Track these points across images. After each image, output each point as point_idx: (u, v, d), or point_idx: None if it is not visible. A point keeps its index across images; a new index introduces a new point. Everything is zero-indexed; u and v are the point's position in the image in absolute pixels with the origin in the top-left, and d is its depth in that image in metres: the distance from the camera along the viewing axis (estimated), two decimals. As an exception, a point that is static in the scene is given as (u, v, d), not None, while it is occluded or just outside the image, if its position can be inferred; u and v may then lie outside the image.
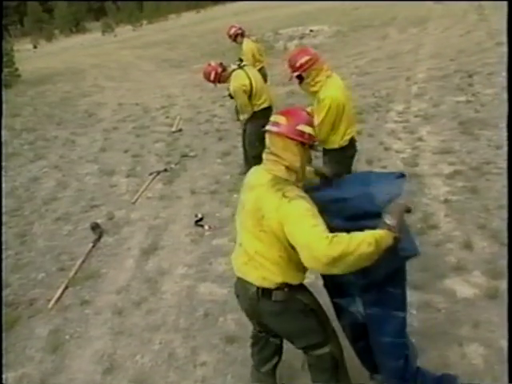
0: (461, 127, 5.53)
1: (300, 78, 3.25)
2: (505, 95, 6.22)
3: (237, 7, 24.94)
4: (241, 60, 5.02)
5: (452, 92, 6.85)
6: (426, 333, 2.74)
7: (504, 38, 8.82)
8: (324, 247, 1.67)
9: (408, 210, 1.84)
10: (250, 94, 4.69)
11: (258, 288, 1.99)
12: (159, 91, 10.18)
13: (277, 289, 1.97)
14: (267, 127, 2.01)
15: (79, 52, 19.35)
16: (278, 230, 1.85)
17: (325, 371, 2.19)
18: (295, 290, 2.02)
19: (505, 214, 3.71)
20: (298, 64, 3.20)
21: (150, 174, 5.71)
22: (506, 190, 4.03)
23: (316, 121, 3.19)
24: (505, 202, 3.86)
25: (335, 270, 1.71)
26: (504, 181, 4.19)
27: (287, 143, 1.94)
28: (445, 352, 2.61)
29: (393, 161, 5.01)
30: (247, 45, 6.44)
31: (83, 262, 4.09)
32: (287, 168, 1.94)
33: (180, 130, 7.24)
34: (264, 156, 2.04)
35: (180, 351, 2.95)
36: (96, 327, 3.30)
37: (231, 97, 4.86)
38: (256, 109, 4.75)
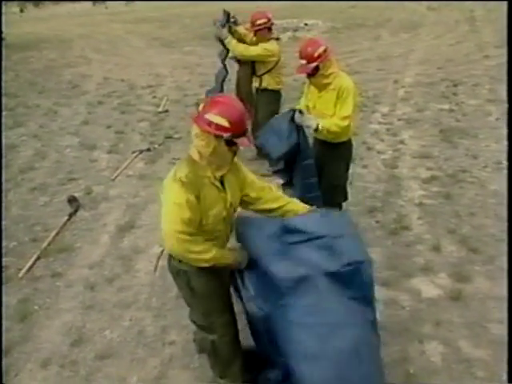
0: (441, 134, 5.68)
1: (316, 70, 3.14)
2: (487, 107, 6.42)
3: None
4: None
5: (436, 99, 7.00)
6: (389, 328, 2.85)
7: (492, 52, 9.06)
8: (168, 243, 2.03)
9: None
10: (273, 67, 4.70)
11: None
12: (147, 69, 10.01)
13: (171, 256, 2.18)
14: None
15: (67, 20, 18.71)
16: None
17: (209, 356, 2.39)
18: (189, 267, 2.13)
19: (475, 220, 3.88)
20: (316, 54, 3.08)
21: (133, 152, 5.66)
22: (478, 199, 4.21)
23: (344, 112, 3.12)
24: (475, 209, 4.03)
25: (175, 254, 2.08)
26: (477, 190, 4.36)
27: (198, 130, 2.00)
28: (405, 347, 2.72)
29: (374, 161, 5.12)
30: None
31: (57, 234, 4.06)
32: (199, 152, 2.03)
33: (166, 111, 7.17)
34: None
35: (150, 329, 2.99)
36: (66, 300, 3.29)
37: (238, 61, 4.91)
38: (270, 86, 4.77)
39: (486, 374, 2.53)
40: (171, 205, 1.99)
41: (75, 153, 5.79)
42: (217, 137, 1.96)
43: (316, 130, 3.13)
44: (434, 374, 2.56)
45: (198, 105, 7.05)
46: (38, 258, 3.73)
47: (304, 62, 3.15)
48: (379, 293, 3.13)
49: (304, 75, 3.28)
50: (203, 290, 2.17)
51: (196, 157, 2.05)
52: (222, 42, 4.76)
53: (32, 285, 3.44)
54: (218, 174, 2.08)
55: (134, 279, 3.47)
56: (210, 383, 2.57)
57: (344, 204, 3.68)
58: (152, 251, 3.78)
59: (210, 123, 1.95)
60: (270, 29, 4.74)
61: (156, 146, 5.83)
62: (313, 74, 3.19)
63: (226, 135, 1.95)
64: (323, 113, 3.22)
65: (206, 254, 2.04)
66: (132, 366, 2.72)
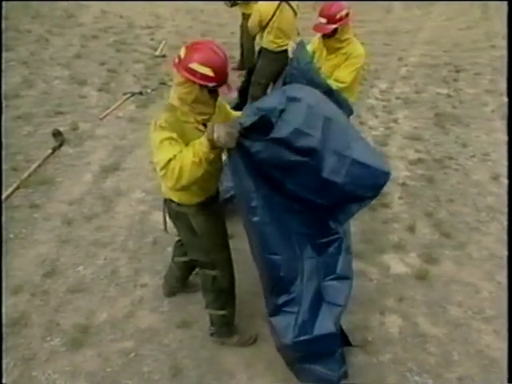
0: (435, 118, 5.68)
1: (334, 32, 3.08)
2: (484, 98, 6.41)
3: None
4: None
5: (437, 83, 6.94)
6: (355, 297, 2.92)
7: (499, 42, 8.94)
8: (162, 176, 1.94)
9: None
10: (265, 26, 4.50)
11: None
12: (148, 8, 9.57)
13: (170, 200, 2.25)
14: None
15: None
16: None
17: (208, 292, 2.46)
18: (187, 209, 2.22)
19: (452, 207, 3.97)
20: (338, 16, 3.02)
21: (125, 93, 5.51)
22: (459, 186, 4.28)
23: (345, 77, 3.16)
24: (455, 196, 4.11)
25: (178, 186, 1.95)
26: (460, 177, 4.43)
27: (181, 79, 1.96)
28: (368, 316, 2.85)
29: (365, 136, 5.10)
30: None
31: (39, 166, 4.01)
32: (181, 99, 2.01)
33: (163, 56, 6.93)
34: None
35: (123, 270, 3.04)
36: (42, 232, 3.30)
37: None
38: (273, 48, 4.55)
39: (437, 351, 2.68)
40: (158, 144, 1.92)
41: (64, 86, 5.61)
42: (201, 86, 1.95)
43: None
44: (390, 344, 2.70)
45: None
46: (18, 188, 3.70)
47: (324, 20, 3.07)
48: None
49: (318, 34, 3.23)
50: (202, 229, 2.26)
51: (177, 103, 2.02)
52: None
53: (9, 213, 3.42)
54: (201, 118, 2.06)
55: (113, 220, 3.48)
56: (178, 328, 2.66)
57: None
58: (134, 195, 3.78)
59: (194, 73, 1.91)
60: None
61: (149, 90, 5.69)
62: (329, 36, 3.13)
63: (210, 85, 1.95)
64: (327, 76, 3.21)
65: (191, 164, 1.88)
66: (102, 303, 2.79)
